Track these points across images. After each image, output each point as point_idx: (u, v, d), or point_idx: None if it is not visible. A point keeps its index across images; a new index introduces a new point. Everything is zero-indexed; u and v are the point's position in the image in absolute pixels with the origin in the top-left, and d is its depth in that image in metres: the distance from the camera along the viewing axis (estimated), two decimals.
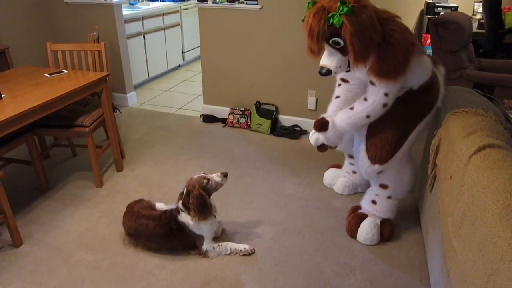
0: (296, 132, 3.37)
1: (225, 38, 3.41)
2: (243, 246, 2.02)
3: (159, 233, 1.95)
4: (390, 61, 1.69)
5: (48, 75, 2.49)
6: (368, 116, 1.85)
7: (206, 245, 1.99)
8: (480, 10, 5.15)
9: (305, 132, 3.42)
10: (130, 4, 4.90)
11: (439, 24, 3.44)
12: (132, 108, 4.05)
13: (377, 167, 1.91)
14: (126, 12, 4.22)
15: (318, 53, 1.80)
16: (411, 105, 1.87)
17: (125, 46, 3.93)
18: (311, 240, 2.13)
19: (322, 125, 1.89)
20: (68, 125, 2.47)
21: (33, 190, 2.59)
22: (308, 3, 1.74)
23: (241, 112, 3.52)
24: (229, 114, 3.58)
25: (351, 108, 1.89)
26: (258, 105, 3.47)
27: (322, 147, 1.98)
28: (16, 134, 2.33)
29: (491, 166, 1.24)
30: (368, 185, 2.21)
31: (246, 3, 3.25)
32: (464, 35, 3.41)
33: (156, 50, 4.89)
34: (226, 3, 3.30)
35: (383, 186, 2.02)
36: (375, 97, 1.81)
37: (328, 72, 1.77)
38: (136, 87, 4.60)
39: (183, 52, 5.56)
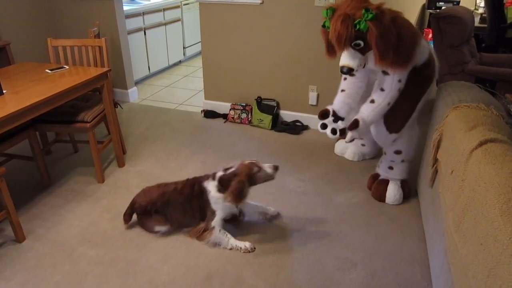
0: (297, 128, 3.37)
1: (226, 34, 3.40)
2: (244, 244, 2.01)
3: (185, 193, 2.01)
4: (402, 54, 1.91)
5: (49, 71, 2.49)
6: (389, 104, 2.09)
7: (214, 223, 2.01)
8: (482, 4, 5.11)
9: (306, 128, 3.42)
10: None
11: (441, 18, 3.42)
12: (133, 103, 4.05)
13: (393, 135, 2.20)
14: (126, 7, 4.21)
15: (336, 55, 2.04)
16: (415, 80, 2.11)
17: (126, 42, 3.92)
18: (312, 235, 2.14)
19: (354, 125, 2.08)
20: (70, 120, 2.47)
21: (35, 186, 2.60)
22: (327, 10, 1.92)
23: (242, 108, 3.52)
24: (230, 109, 3.57)
25: (372, 101, 2.10)
26: (259, 101, 3.47)
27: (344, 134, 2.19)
28: (17, 130, 2.33)
29: (492, 160, 1.24)
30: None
31: None
32: (466, 29, 3.39)
33: (157, 46, 4.88)
34: None
35: (397, 152, 2.31)
36: (391, 85, 2.05)
37: (350, 70, 1.95)
38: (137, 83, 4.59)
39: (184, 48, 5.55)
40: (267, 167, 1.94)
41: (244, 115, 3.51)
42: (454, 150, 1.51)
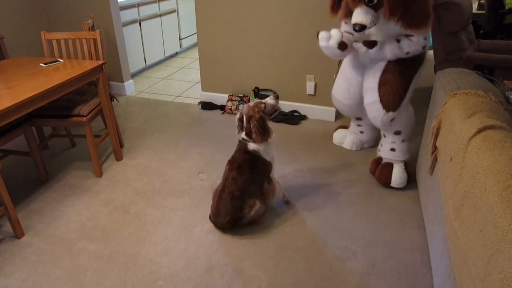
0: (295, 118, 3.36)
1: (222, 24, 3.36)
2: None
3: (245, 167, 2.01)
4: (421, 13, 1.97)
5: (44, 65, 2.46)
6: (408, 53, 2.12)
7: (273, 173, 2.13)
8: None
9: (304, 118, 3.40)
10: None
11: (438, 5, 3.38)
12: (130, 96, 4.02)
13: (391, 114, 2.22)
14: None
15: (338, 12, 2.17)
16: (407, 60, 2.18)
17: (121, 34, 3.88)
18: (311, 225, 2.14)
19: (372, 44, 2.11)
20: (66, 115, 2.45)
21: (32, 181, 2.59)
22: None
23: (239, 99, 3.50)
24: (228, 100, 3.55)
25: (398, 40, 2.11)
26: (256, 91, 3.45)
27: (343, 46, 2.17)
28: (13, 125, 2.31)
29: (491, 147, 1.23)
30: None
31: None
32: (464, 16, 3.36)
33: (153, 38, 4.83)
34: None
35: (397, 133, 2.35)
36: (418, 40, 2.09)
37: (363, 28, 1.95)
38: (133, 76, 4.56)
39: (180, 39, 5.50)
40: (269, 99, 2.05)
41: (241, 106, 3.48)
42: (453, 138, 1.50)
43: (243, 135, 2.06)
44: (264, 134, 1.98)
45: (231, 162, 2.07)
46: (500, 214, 1.01)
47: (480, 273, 1.05)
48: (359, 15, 1.93)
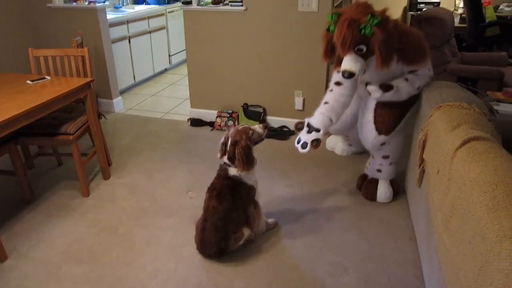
0: (284, 133, 3.36)
1: (210, 41, 3.38)
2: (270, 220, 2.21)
3: (224, 193, 1.93)
4: (417, 49, 2.07)
5: (30, 82, 2.44)
6: (419, 88, 2.17)
7: (257, 196, 2.07)
8: (462, 4, 5.21)
9: (293, 133, 3.41)
10: (115, 7, 4.84)
11: (422, 20, 3.47)
12: (119, 113, 4.00)
13: (382, 137, 2.21)
14: (110, 16, 4.17)
15: (332, 59, 2.13)
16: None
17: (110, 51, 3.88)
18: (302, 241, 2.12)
19: (388, 87, 2.11)
20: (52, 133, 2.42)
21: (17, 201, 2.52)
22: (332, 14, 1.97)
23: (228, 115, 3.50)
24: (217, 117, 3.55)
25: (406, 80, 2.14)
26: (245, 107, 3.46)
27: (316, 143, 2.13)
28: None
29: (476, 158, 1.24)
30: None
31: (231, 5, 3.24)
32: (447, 30, 3.44)
33: (142, 54, 4.84)
34: (211, 5, 3.28)
35: (385, 157, 2.34)
36: (423, 72, 2.16)
37: (351, 75, 1.95)
38: (122, 92, 4.54)
39: (169, 56, 5.52)
40: (258, 128, 2.00)
41: (230, 122, 3.49)
42: (439, 150, 1.51)
43: (225, 159, 1.97)
44: (247, 163, 1.90)
45: (210, 190, 1.98)
46: (487, 225, 1.01)
47: (471, 285, 1.04)
48: (348, 63, 1.93)
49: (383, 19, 1.85)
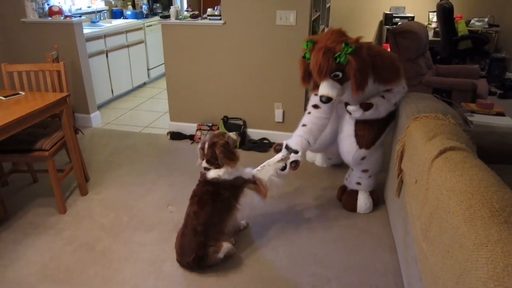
0: (264, 145, 3.37)
1: (189, 54, 3.38)
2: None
3: (206, 199, 1.94)
4: (391, 70, 2.12)
5: (3, 98, 2.37)
6: (395, 104, 2.23)
7: (250, 172, 2.09)
8: (435, 19, 5.41)
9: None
10: (92, 22, 4.79)
11: (397, 34, 3.57)
12: (96, 128, 3.92)
13: (363, 151, 2.24)
14: (87, 30, 4.12)
15: (309, 83, 2.17)
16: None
17: (87, 65, 3.82)
18: (285, 253, 2.11)
19: (368, 106, 2.15)
20: (27, 149, 2.35)
21: None
22: (307, 42, 2.01)
23: (208, 128, 3.48)
24: (197, 130, 3.53)
25: (383, 97, 2.19)
26: (225, 120, 3.45)
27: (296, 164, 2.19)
28: None
29: (452, 168, 1.27)
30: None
31: (209, 19, 3.25)
32: (421, 43, 3.55)
33: (120, 68, 4.79)
34: (190, 19, 3.29)
35: (364, 171, 2.37)
36: (398, 90, 2.22)
37: (329, 100, 2.00)
38: (100, 107, 4.47)
39: (148, 69, 5.48)
40: (232, 134, 2.06)
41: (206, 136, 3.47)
42: (417, 160, 1.54)
43: (203, 163, 1.99)
44: (230, 157, 1.94)
45: (192, 197, 2.00)
46: (465, 234, 1.03)
47: None
48: (325, 88, 1.98)
49: (357, 48, 1.90)
